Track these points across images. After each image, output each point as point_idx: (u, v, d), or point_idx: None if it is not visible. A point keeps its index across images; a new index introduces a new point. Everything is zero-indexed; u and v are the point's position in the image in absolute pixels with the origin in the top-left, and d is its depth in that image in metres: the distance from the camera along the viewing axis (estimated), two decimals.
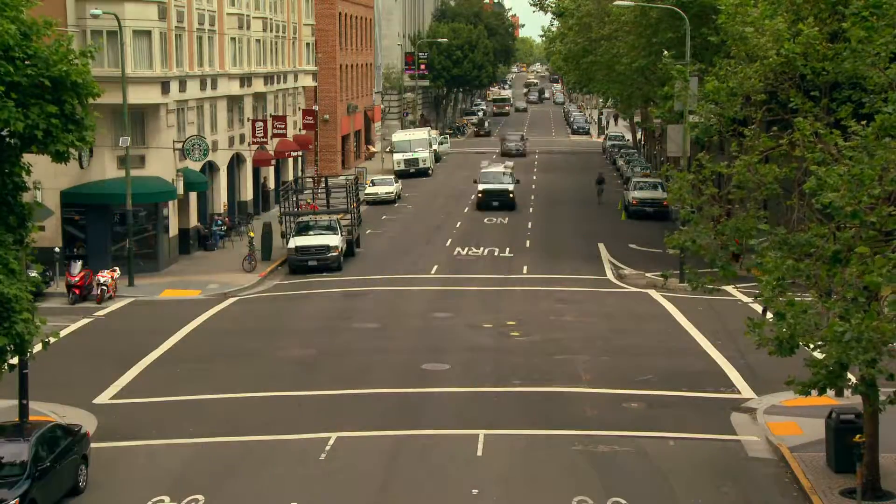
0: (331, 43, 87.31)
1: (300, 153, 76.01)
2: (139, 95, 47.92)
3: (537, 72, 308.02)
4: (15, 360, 24.69)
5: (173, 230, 52.13)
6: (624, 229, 63.16)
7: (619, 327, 39.53)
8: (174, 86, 51.11)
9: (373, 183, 77.06)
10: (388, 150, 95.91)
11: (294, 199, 57.30)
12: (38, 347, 24.51)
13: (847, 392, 24.57)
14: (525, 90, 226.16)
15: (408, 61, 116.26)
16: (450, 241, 59.19)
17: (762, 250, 23.20)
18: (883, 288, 20.27)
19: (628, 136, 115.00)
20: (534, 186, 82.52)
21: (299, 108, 77.65)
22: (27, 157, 23.97)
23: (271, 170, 69.76)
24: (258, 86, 65.09)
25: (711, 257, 25.10)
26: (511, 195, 70.45)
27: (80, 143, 23.20)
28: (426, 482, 24.62)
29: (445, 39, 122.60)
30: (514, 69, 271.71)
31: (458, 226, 64.35)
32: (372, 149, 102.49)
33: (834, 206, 21.04)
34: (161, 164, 50.46)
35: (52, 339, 24.27)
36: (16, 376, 26.32)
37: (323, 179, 62.82)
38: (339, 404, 30.53)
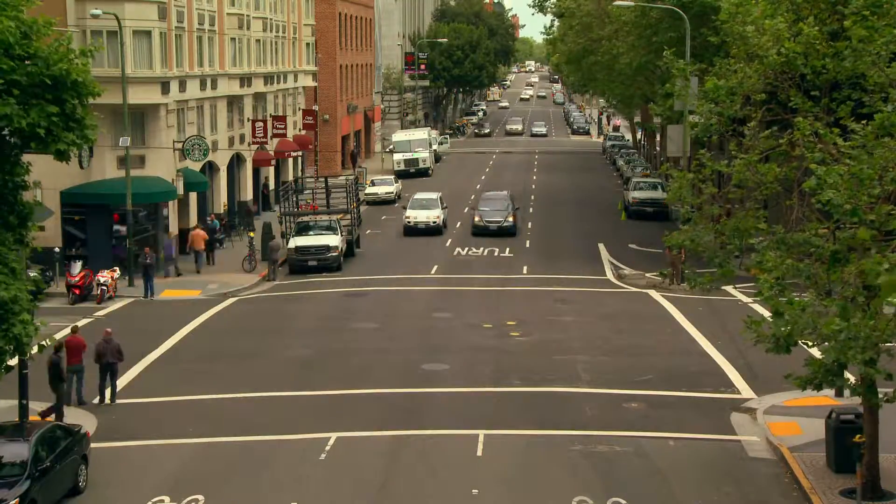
0: (331, 43, 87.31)
1: (300, 153, 76.06)
2: (139, 95, 47.92)
3: (537, 69, 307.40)
4: (13, 362, 24.68)
5: (173, 230, 52.12)
6: (624, 229, 63.18)
7: (618, 327, 39.53)
8: (174, 86, 51.11)
9: (373, 183, 77.09)
10: (388, 149, 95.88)
11: (294, 199, 57.32)
12: (34, 350, 24.50)
13: (847, 392, 24.56)
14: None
15: (408, 61, 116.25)
16: (450, 241, 59.18)
17: (762, 250, 23.20)
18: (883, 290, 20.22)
19: (628, 136, 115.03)
20: (534, 186, 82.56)
21: (299, 108, 77.68)
22: (27, 157, 23.97)
23: (271, 170, 69.78)
24: (258, 86, 65.10)
25: (710, 256, 25.09)
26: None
27: (80, 142, 23.19)
28: (426, 482, 24.61)
29: (445, 40, 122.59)
30: (514, 69, 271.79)
31: (457, 226, 64.32)
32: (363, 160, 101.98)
33: (833, 203, 21.04)
34: (161, 164, 50.47)
35: (47, 342, 24.21)
36: (15, 376, 26.32)
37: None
38: (339, 404, 30.52)
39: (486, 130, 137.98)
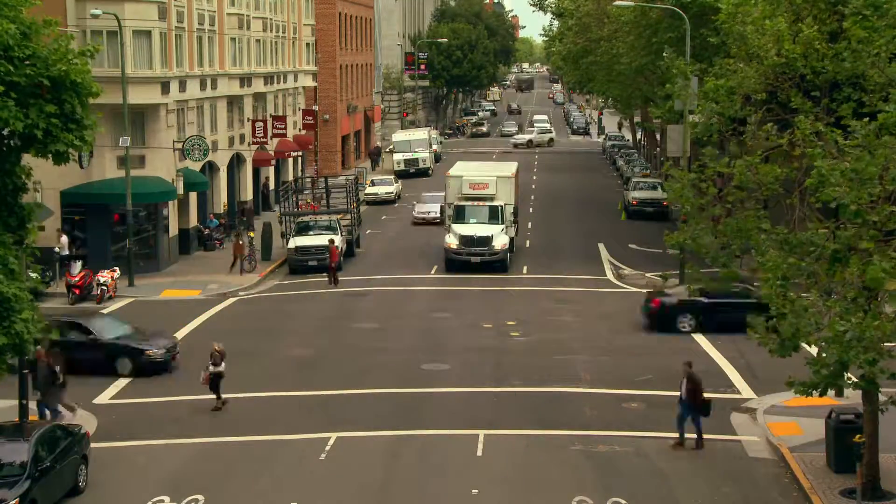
0: (331, 43, 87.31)
1: (300, 153, 76.05)
2: (139, 95, 47.91)
3: (535, 71, 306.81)
4: (15, 361, 24.70)
5: (173, 230, 52.12)
6: (624, 229, 63.16)
7: (618, 327, 39.53)
8: (174, 86, 51.10)
9: (373, 183, 77.11)
10: (388, 150, 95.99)
11: (294, 199, 57.29)
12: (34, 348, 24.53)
13: (847, 392, 24.56)
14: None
15: (408, 61, 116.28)
16: None
17: (762, 249, 23.20)
18: (887, 283, 20.26)
19: (628, 136, 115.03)
20: (534, 186, 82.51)
21: (299, 108, 77.66)
22: (29, 160, 23.99)
23: (271, 170, 69.76)
24: (258, 86, 65.09)
25: (712, 257, 25.08)
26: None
27: (80, 142, 23.19)
28: (426, 482, 24.62)
29: (445, 40, 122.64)
30: (514, 69, 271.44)
31: None
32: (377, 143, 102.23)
33: (840, 203, 21.05)
34: (161, 164, 50.45)
35: (41, 346, 24.20)
36: (15, 376, 26.31)
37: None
38: (339, 404, 30.54)
39: (484, 129, 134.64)
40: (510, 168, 55.50)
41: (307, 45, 78.65)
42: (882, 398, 22.64)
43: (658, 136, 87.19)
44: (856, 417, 24.32)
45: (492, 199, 51.06)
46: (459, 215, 50.57)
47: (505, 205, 51.08)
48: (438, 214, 62.28)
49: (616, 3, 57.51)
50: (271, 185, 69.80)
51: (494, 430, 27.85)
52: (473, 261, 49.23)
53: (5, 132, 22.55)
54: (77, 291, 43.63)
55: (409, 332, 38.88)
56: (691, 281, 26.16)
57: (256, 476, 24.93)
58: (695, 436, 26.74)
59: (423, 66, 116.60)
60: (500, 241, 49.54)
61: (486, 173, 53.17)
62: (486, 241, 49.21)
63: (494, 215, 50.44)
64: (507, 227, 50.63)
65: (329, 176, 67.40)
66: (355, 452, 26.44)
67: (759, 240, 23.58)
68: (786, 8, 28.95)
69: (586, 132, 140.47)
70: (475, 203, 50.86)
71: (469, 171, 53.91)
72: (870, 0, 24.07)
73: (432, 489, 24.25)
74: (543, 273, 50.25)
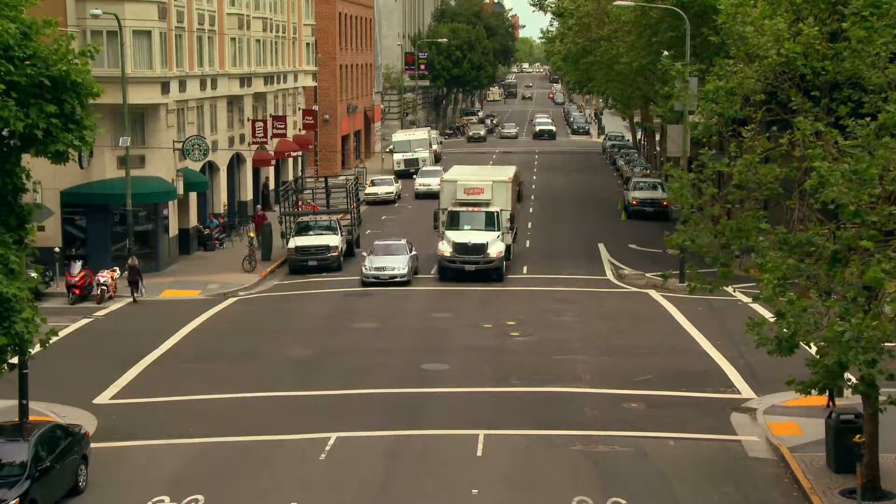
0: (331, 43, 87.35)
1: (300, 153, 76.07)
2: (139, 95, 47.91)
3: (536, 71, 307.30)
4: (15, 360, 24.69)
5: (173, 230, 52.13)
6: (624, 229, 63.19)
7: (618, 327, 39.54)
8: (174, 86, 51.10)
9: (373, 183, 77.15)
10: (388, 149, 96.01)
11: (294, 199, 57.31)
12: (37, 347, 24.51)
13: (847, 392, 24.58)
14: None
15: (408, 61, 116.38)
16: None
17: (762, 250, 23.21)
18: (886, 284, 20.29)
19: (628, 136, 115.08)
20: (534, 186, 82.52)
21: (299, 108, 77.68)
22: (27, 160, 23.99)
23: (271, 170, 69.77)
24: (258, 86, 65.09)
25: (711, 257, 25.09)
26: None
27: (80, 143, 23.20)
28: (426, 482, 24.62)
29: (445, 40, 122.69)
30: (515, 69, 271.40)
31: None
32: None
33: (839, 203, 21.06)
34: (161, 164, 50.46)
35: (52, 339, 24.23)
36: (16, 376, 26.31)
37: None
38: (339, 404, 30.53)
39: (481, 133, 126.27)
40: (507, 172, 53.65)
41: (307, 45, 78.67)
42: (881, 398, 22.64)
43: (658, 136, 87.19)
44: (856, 417, 24.32)
45: (487, 204, 49.23)
46: (453, 221, 48.75)
47: (501, 210, 49.16)
48: (404, 272, 47.75)
49: (616, 2, 57.53)
50: (271, 185, 69.82)
51: (494, 430, 27.84)
52: (467, 269, 47.44)
53: (5, 132, 22.55)
54: (77, 291, 43.63)
55: (408, 332, 38.88)
56: (691, 280, 26.10)
57: (256, 476, 24.92)
58: None
59: (423, 66, 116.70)
60: (496, 248, 47.65)
61: (481, 177, 51.45)
62: (481, 248, 47.35)
63: (490, 221, 48.52)
64: (503, 233, 48.73)
65: (329, 176, 67.38)
66: (355, 452, 26.43)
67: (758, 241, 23.59)
68: (786, 8, 28.92)
69: (586, 132, 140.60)
70: (470, 209, 49.06)
71: (464, 176, 52.12)
72: (870, 0, 24.06)
73: (432, 489, 24.24)
74: (543, 273, 50.26)
